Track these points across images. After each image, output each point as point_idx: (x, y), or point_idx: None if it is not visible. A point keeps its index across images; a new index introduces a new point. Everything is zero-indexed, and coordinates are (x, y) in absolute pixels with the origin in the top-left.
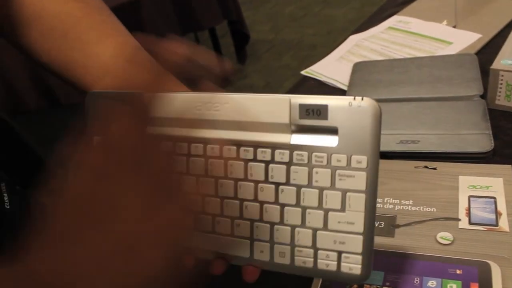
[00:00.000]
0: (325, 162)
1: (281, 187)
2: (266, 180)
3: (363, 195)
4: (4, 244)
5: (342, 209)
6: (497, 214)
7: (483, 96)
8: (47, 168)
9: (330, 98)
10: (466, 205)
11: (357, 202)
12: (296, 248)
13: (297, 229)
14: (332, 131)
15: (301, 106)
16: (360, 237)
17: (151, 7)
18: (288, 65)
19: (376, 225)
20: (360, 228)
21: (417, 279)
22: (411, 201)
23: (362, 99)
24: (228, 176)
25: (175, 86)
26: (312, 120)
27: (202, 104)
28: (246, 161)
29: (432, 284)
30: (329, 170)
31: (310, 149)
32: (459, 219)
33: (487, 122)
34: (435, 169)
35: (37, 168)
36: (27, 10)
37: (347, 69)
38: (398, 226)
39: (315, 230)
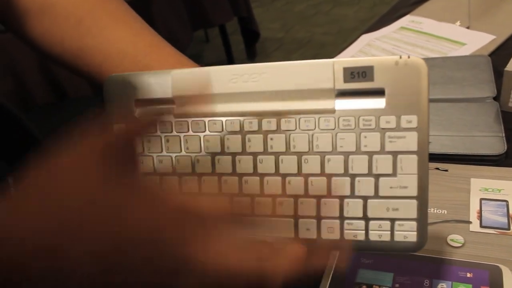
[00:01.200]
0: (373, 125)
1: (327, 156)
2: (311, 151)
3: (415, 156)
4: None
5: (394, 173)
6: (509, 217)
7: (496, 98)
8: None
9: (374, 59)
10: (478, 208)
11: (410, 164)
12: (346, 221)
13: (346, 200)
14: (379, 92)
15: (346, 69)
16: (414, 202)
17: (162, 4)
18: None
19: None
20: (414, 192)
21: (427, 281)
22: None
23: (409, 57)
24: (268, 151)
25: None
26: (358, 83)
27: (237, 76)
28: (288, 132)
29: (442, 287)
30: (378, 133)
31: (356, 113)
32: (470, 222)
33: (500, 125)
34: (446, 170)
35: None
36: (39, 1)
37: None
38: None
39: (365, 199)
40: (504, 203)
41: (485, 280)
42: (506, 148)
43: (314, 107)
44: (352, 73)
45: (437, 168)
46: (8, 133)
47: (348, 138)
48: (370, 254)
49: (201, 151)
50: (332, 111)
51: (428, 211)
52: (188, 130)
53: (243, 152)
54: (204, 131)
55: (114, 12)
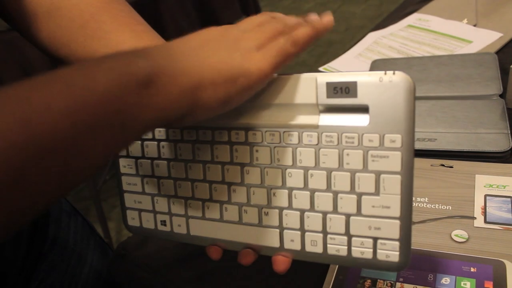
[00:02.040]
0: (356, 143)
1: (310, 171)
2: (294, 165)
3: (398, 177)
4: (22, 232)
5: (376, 192)
6: None
7: (502, 96)
8: None
9: (358, 74)
10: (482, 204)
11: (393, 184)
12: (329, 236)
13: (328, 215)
14: (363, 109)
15: (329, 84)
16: (397, 222)
17: (170, 2)
18: (304, 62)
19: None
20: (397, 212)
21: (431, 275)
22: (426, 199)
23: (394, 73)
24: (254, 163)
25: None
26: (341, 98)
27: None
28: (273, 145)
29: (446, 281)
30: (360, 151)
31: (339, 129)
32: (475, 218)
33: (506, 122)
34: (451, 167)
35: None
36: (45, 3)
37: (365, 66)
38: (413, 223)
39: (348, 216)
40: (509, 199)
41: (489, 274)
42: (511, 145)
43: (298, 122)
44: (335, 88)
45: (443, 165)
46: None
47: (330, 155)
48: None
49: (193, 158)
50: (316, 126)
51: (433, 207)
52: (182, 138)
53: (231, 162)
54: (195, 140)
55: (118, 15)
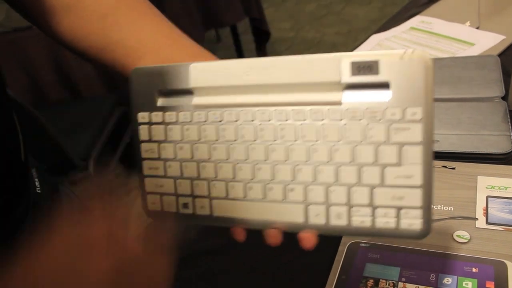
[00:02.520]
0: (379, 117)
1: (334, 146)
2: (319, 141)
3: (419, 147)
4: (36, 228)
5: (399, 163)
6: None
7: (504, 98)
8: (69, 160)
9: (380, 53)
10: (484, 205)
11: (414, 154)
12: (353, 208)
13: (353, 188)
14: (384, 85)
15: (352, 64)
16: (419, 191)
17: (174, 3)
18: None
19: None
20: (418, 181)
21: (432, 275)
22: None
23: (413, 51)
24: (279, 140)
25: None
26: (364, 76)
27: (251, 69)
28: (298, 122)
29: (448, 281)
30: (383, 125)
31: (363, 105)
32: (477, 219)
33: (508, 124)
34: (453, 168)
35: (57, 156)
36: None
37: None
38: None
39: (371, 187)
40: (510, 200)
41: (490, 275)
42: None
43: (322, 99)
44: (359, 67)
45: (445, 166)
46: (22, 129)
47: (354, 129)
48: (377, 249)
49: (217, 139)
50: (339, 103)
51: (435, 208)
52: (206, 119)
53: (257, 140)
54: (221, 121)
55: (136, 7)
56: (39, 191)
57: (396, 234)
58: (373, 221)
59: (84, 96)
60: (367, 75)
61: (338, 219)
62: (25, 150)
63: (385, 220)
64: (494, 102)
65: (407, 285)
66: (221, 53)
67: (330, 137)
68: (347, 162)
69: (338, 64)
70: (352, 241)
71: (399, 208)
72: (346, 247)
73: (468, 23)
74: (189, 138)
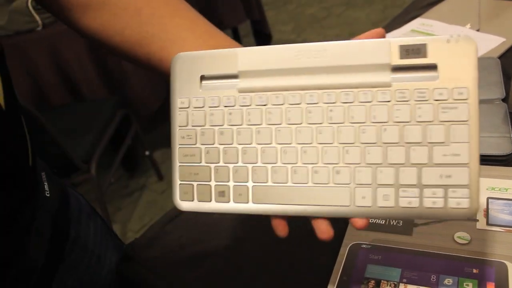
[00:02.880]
0: (427, 97)
1: (383, 126)
2: (368, 122)
3: (466, 125)
4: (45, 232)
5: (447, 142)
6: None
7: (504, 100)
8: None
9: (427, 37)
10: (485, 206)
11: (461, 133)
12: (401, 189)
13: (401, 168)
14: (432, 67)
15: (401, 47)
16: (466, 169)
17: None
18: None
19: (395, 223)
20: (466, 159)
21: (433, 276)
22: None
23: (459, 36)
24: (327, 122)
25: None
26: (412, 59)
27: (300, 53)
28: (346, 104)
29: (449, 282)
30: (431, 104)
31: (411, 86)
32: (477, 220)
33: (508, 126)
34: None
35: (59, 158)
36: None
37: None
38: (416, 224)
39: (419, 167)
40: (511, 202)
41: (491, 276)
42: None
43: (372, 81)
44: (407, 50)
45: None
46: (25, 132)
47: (403, 109)
48: (378, 250)
49: (262, 123)
50: (389, 84)
51: None
52: (251, 103)
53: (303, 123)
54: (266, 104)
55: (170, 1)
56: (48, 195)
57: (444, 214)
58: (420, 201)
59: (86, 98)
60: (415, 58)
61: (385, 201)
62: (33, 155)
63: (433, 200)
64: (494, 104)
65: (408, 286)
66: None
67: (379, 117)
68: (395, 142)
69: (388, 47)
70: (354, 243)
71: (446, 187)
72: (348, 248)
73: (468, 26)
74: (231, 123)
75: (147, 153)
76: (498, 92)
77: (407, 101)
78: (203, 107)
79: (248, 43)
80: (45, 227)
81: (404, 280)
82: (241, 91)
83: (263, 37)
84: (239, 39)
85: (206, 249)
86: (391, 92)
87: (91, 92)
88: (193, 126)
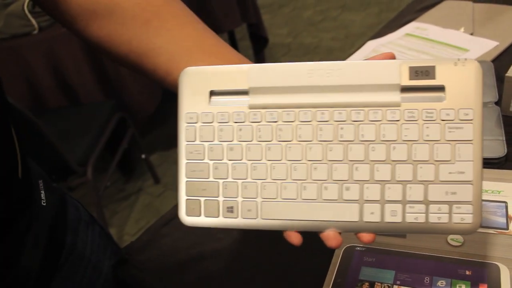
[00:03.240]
0: (435, 117)
1: (392, 145)
2: (377, 140)
3: (471, 145)
4: (40, 241)
5: (452, 160)
6: (508, 218)
7: (497, 103)
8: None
9: (436, 60)
10: None
11: (466, 151)
12: (408, 205)
13: (408, 185)
14: (440, 88)
15: (411, 68)
16: (470, 186)
17: None
18: None
19: None
20: (470, 177)
21: (427, 278)
22: None
23: (465, 59)
24: (337, 140)
25: None
26: (421, 80)
27: (313, 71)
28: (357, 123)
29: (442, 284)
30: (439, 124)
31: (420, 106)
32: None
33: (501, 129)
34: None
35: (55, 161)
36: (104, 2)
37: None
38: None
39: (426, 184)
40: (504, 204)
41: (484, 277)
42: (506, 152)
43: (382, 100)
44: (416, 72)
45: None
46: (22, 135)
47: (412, 129)
48: (372, 252)
49: (272, 139)
50: (398, 104)
51: None
52: (262, 120)
53: (314, 140)
54: (277, 121)
55: (179, 14)
56: (44, 204)
57: (447, 229)
58: (426, 217)
59: (82, 102)
60: (424, 79)
61: (393, 216)
62: (24, 166)
63: (438, 216)
64: (487, 107)
65: (402, 287)
66: None
67: (388, 136)
68: (403, 160)
69: (398, 68)
70: (348, 245)
71: (451, 203)
72: (342, 251)
73: (462, 29)
74: (241, 139)
75: (143, 156)
76: (491, 95)
77: (415, 120)
78: (212, 122)
79: (244, 46)
80: (41, 236)
81: (398, 282)
82: (252, 107)
83: (259, 41)
84: (235, 43)
85: (202, 252)
86: (400, 112)
87: (88, 96)
88: (201, 141)
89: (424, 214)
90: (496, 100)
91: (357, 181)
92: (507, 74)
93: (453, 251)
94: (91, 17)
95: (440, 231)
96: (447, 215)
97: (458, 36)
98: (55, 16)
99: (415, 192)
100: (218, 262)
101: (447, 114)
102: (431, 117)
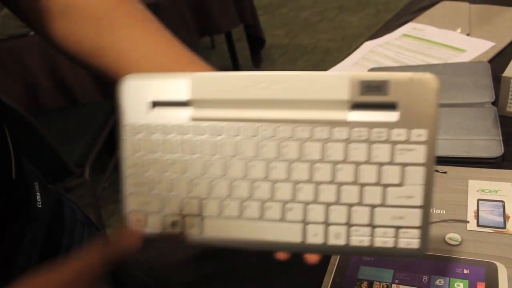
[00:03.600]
0: (385, 137)
1: (338, 165)
2: (323, 159)
3: (422, 168)
4: (37, 242)
5: (401, 183)
6: (505, 217)
7: (494, 103)
8: (65, 166)
9: (390, 74)
10: (475, 208)
11: (417, 175)
12: (352, 228)
13: (354, 207)
14: (392, 106)
15: (362, 82)
16: (419, 211)
17: (170, 10)
18: (302, 70)
19: None
20: (419, 201)
21: (425, 277)
22: None
23: (422, 74)
24: (281, 158)
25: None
26: (372, 96)
27: (254, 83)
28: (302, 140)
29: (440, 283)
30: (389, 145)
31: (370, 125)
32: (468, 221)
33: (498, 129)
34: (445, 172)
35: (52, 162)
36: (60, 1)
37: None
38: None
39: (372, 207)
40: (500, 203)
41: (481, 276)
42: (503, 151)
43: (328, 118)
44: (368, 87)
45: (437, 170)
46: (19, 136)
47: (360, 149)
48: None
49: (214, 154)
50: (346, 122)
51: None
52: (204, 133)
53: (257, 157)
54: (220, 135)
55: (131, 13)
56: (40, 206)
57: (393, 253)
58: (371, 240)
59: (80, 102)
60: (375, 95)
61: (337, 239)
62: (18, 168)
63: (384, 240)
64: (484, 107)
65: (400, 286)
66: (215, 60)
67: (334, 156)
68: (349, 182)
69: (348, 82)
70: None
71: (398, 228)
72: None
73: (459, 30)
74: (183, 152)
75: None
76: (488, 95)
77: (364, 140)
78: (154, 134)
79: (242, 47)
80: (37, 237)
81: (396, 281)
82: (194, 119)
83: (256, 42)
84: (232, 44)
85: (200, 252)
86: (348, 130)
87: (85, 96)
88: (143, 154)
89: (369, 237)
90: (492, 100)
91: (300, 202)
92: (503, 75)
93: (451, 250)
94: (47, 16)
95: (384, 254)
96: (393, 239)
97: (455, 37)
98: (20, 16)
99: (361, 215)
100: (216, 262)
101: (398, 135)
102: (381, 137)
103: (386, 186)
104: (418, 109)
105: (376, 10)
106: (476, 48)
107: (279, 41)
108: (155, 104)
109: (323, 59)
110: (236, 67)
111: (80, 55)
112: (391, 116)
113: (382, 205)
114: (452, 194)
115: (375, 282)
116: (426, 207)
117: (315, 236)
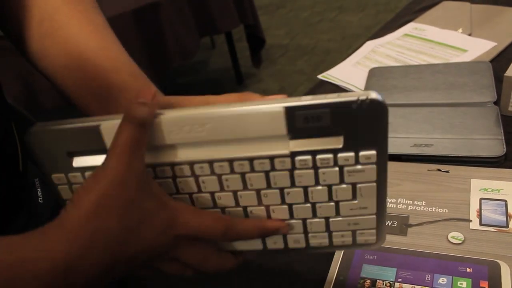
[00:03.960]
0: (331, 163)
1: (286, 190)
2: (269, 187)
3: (374, 184)
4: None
5: (354, 198)
6: (508, 216)
7: (496, 103)
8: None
9: (331, 100)
10: (477, 207)
11: (369, 191)
12: (310, 235)
13: (308, 220)
14: (335, 132)
15: (298, 115)
16: (374, 217)
17: (170, 11)
18: (302, 70)
19: (389, 224)
20: (373, 210)
21: (428, 276)
22: (423, 202)
23: (367, 97)
24: (225, 189)
25: (147, 86)
26: (313, 124)
27: (178, 128)
28: (243, 173)
29: (443, 281)
30: (336, 169)
31: (313, 153)
32: (470, 220)
33: (500, 128)
34: (447, 172)
35: None
36: (12, 5)
37: (363, 74)
38: (411, 225)
39: (327, 219)
40: (503, 202)
41: (484, 275)
42: (505, 151)
43: (267, 152)
44: (306, 118)
45: (439, 170)
46: (15, 137)
47: (306, 175)
48: (373, 250)
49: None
50: (287, 154)
51: (430, 210)
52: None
53: (199, 191)
54: (153, 176)
55: (74, 12)
56: (41, 201)
57: (352, 247)
58: (330, 241)
59: None
60: (316, 124)
61: (297, 243)
62: (24, 161)
63: (342, 240)
64: (486, 107)
65: (403, 285)
66: (216, 60)
67: (281, 183)
68: (301, 202)
69: (283, 116)
70: None
71: (354, 231)
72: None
73: (460, 30)
74: None
75: None
76: (490, 95)
77: (309, 167)
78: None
79: (242, 47)
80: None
81: (400, 280)
82: None
83: (256, 42)
84: (232, 44)
85: None
86: (290, 160)
87: None
88: (70, 182)
89: (327, 240)
90: (494, 100)
91: (256, 217)
92: (505, 74)
93: (454, 249)
94: (4, 20)
95: (345, 248)
96: (351, 239)
97: (457, 37)
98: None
99: (316, 226)
100: None
101: (346, 159)
102: (327, 163)
103: (338, 201)
104: (365, 133)
105: (376, 11)
106: (477, 48)
107: (279, 41)
108: (72, 154)
109: (323, 59)
110: (236, 67)
111: (27, 57)
112: (335, 142)
113: (336, 216)
114: (454, 193)
115: (378, 280)
116: (380, 210)
117: (275, 244)
